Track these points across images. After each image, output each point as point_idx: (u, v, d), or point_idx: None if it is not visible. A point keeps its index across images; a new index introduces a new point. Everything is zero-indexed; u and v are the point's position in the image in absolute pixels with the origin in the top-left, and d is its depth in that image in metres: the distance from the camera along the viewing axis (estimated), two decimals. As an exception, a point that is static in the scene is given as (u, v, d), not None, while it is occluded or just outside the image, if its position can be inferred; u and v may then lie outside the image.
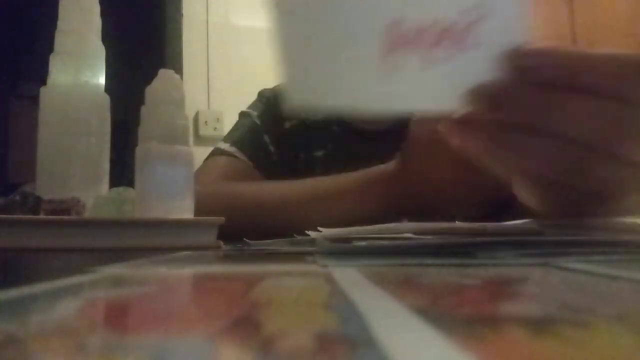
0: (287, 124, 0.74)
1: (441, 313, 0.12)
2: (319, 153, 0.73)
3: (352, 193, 0.53)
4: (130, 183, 0.44)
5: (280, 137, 0.73)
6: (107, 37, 0.54)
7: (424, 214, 0.50)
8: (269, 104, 0.76)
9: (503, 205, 0.50)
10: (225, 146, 0.70)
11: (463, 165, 0.44)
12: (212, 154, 0.72)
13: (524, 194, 0.34)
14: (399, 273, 0.21)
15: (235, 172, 0.67)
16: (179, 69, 1.94)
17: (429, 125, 0.46)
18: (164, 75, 0.45)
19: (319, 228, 0.38)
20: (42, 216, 0.40)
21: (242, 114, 0.76)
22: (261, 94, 0.79)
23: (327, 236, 0.34)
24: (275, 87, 0.81)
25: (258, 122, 0.73)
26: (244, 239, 0.43)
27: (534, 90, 0.26)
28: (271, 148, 0.71)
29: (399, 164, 0.50)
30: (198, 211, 0.44)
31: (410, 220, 0.48)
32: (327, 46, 0.28)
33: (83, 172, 0.50)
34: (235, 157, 0.69)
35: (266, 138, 0.72)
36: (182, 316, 0.13)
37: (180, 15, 2.06)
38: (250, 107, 0.78)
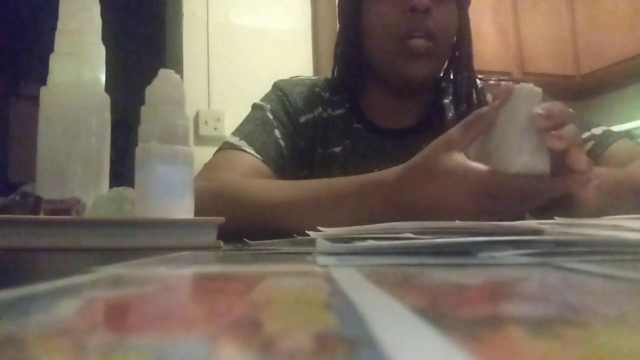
0: (303, 118, 0.74)
1: (441, 313, 0.12)
2: (337, 149, 0.73)
3: (350, 198, 0.52)
4: (130, 183, 0.44)
5: (294, 131, 0.73)
6: (107, 37, 0.54)
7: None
8: (284, 96, 0.75)
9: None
10: (234, 140, 0.70)
11: (476, 196, 0.44)
12: (221, 148, 0.71)
13: None
14: (399, 273, 0.21)
15: (243, 167, 0.66)
16: (179, 69, 1.94)
17: (450, 151, 0.46)
18: (164, 75, 0.45)
19: (319, 228, 0.38)
20: (42, 216, 0.40)
21: (255, 106, 0.75)
22: (276, 85, 0.78)
23: (327, 236, 0.34)
24: (291, 78, 0.80)
25: (270, 116, 0.72)
26: (244, 239, 0.43)
27: None
28: (282, 143, 0.71)
29: (403, 176, 0.49)
30: (199, 208, 0.44)
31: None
32: None
33: (83, 172, 0.50)
34: (244, 151, 0.68)
35: (277, 133, 0.71)
36: (182, 316, 0.13)
37: (181, 15, 2.07)
38: (263, 99, 0.76)
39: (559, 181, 0.43)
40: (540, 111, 0.42)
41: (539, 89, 0.45)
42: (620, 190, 0.55)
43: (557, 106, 0.44)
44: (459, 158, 0.45)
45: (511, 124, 0.44)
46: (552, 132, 0.42)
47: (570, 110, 0.72)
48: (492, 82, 0.49)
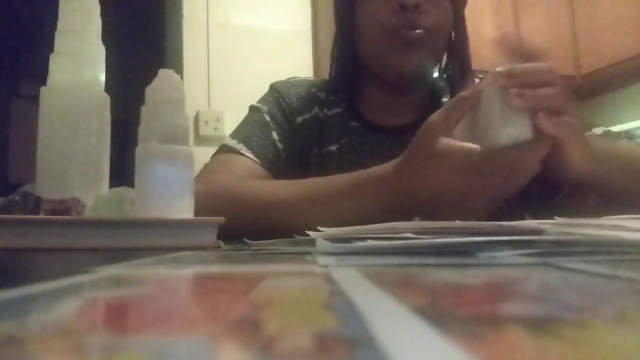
0: (299, 119, 0.74)
1: (441, 313, 0.12)
2: (333, 147, 0.73)
3: (348, 194, 0.52)
4: (130, 183, 0.44)
5: (291, 132, 0.73)
6: (107, 37, 0.54)
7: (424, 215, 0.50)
8: (280, 97, 0.75)
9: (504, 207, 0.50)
10: (232, 143, 0.70)
11: (467, 175, 0.45)
12: (219, 151, 0.71)
13: None
14: (399, 273, 0.21)
15: (241, 170, 0.66)
16: (179, 69, 1.94)
17: (436, 134, 0.47)
18: (164, 75, 0.45)
19: (319, 228, 0.38)
20: (42, 216, 0.40)
21: (252, 108, 0.76)
22: (272, 87, 0.78)
23: (327, 236, 0.34)
24: (287, 79, 0.80)
25: (267, 118, 0.72)
26: (244, 239, 0.43)
27: None
28: (279, 145, 0.71)
29: (400, 168, 0.50)
30: (198, 209, 0.44)
31: (422, 219, 0.49)
32: None
33: (83, 172, 0.50)
34: (242, 154, 0.68)
35: (274, 135, 0.71)
36: (182, 316, 0.13)
37: (181, 15, 2.06)
38: (260, 100, 0.77)
39: (539, 142, 0.45)
40: (499, 69, 0.44)
41: None
42: (618, 163, 0.56)
43: (523, 66, 0.45)
44: (447, 140, 0.47)
45: (493, 103, 0.45)
46: (514, 91, 0.43)
47: None
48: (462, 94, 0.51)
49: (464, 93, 0.49)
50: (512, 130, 0.43)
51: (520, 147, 0.44)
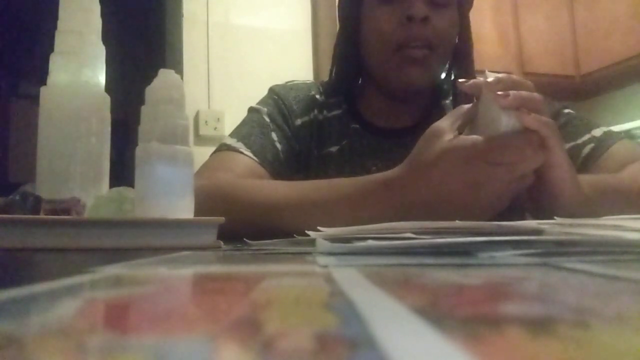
0: (299, 121, 0.74)
1: (441, 313, 0.12)
2: (333, 149, 0.73)
3: (351, 198, 0.52)
4: (130, 183, 0.44)
5: (290, 134, 0.73)
6: (107, 37, 0.54)
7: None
8: (280, 100, 0.75)
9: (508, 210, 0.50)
10: (231, 141, 0.70)
11: (477, 164, 0.46)
12: (218, 149, 0.71)
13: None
14: (399, 273, 0.21)
15: (240, 168, 0.66)
16: (179, 69, 1.94)
17: (443, 137, 0.48)
18: (164, 75, 0.45)
19: (319, 228, 0.38)
20: (42, 216, 0.40)
21: (252, 110, 0.76)
22: (272, 90, 0.78)
23: (327, 236, 0.34)
24: (286, 83, 0.80)
25: (267, 119, 0.73)
26: (244, 239, 0.43)
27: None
28: (278, 146, 0.71)
29: (406, 173, 0.50)
30: (198, 207, 0.44)
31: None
32: None
33: (83, 172, 0.50)
34: (241, 152, 0.68)
35: (274, 135, 0.71)
36: (182, 316, 0.13)
37: (181, 15, 2.07)
38: (259, 102, 0.77)
39: (529, 132, 0.47)
40: (490, 79, 0.49)
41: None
42: (611, 195, 0.56)
43: (508, 75, 0.51)
44: (455, 138, 0.48)
45: (489, 103, 0.49)
46: (501, 93, 0.47)
47: (570, 111, 0.72)
48: (460, 80, 0.54)
49: (465, 106, 0.52)
50: (508, 120, 0.47)
51: (517, 135, 0.47)
